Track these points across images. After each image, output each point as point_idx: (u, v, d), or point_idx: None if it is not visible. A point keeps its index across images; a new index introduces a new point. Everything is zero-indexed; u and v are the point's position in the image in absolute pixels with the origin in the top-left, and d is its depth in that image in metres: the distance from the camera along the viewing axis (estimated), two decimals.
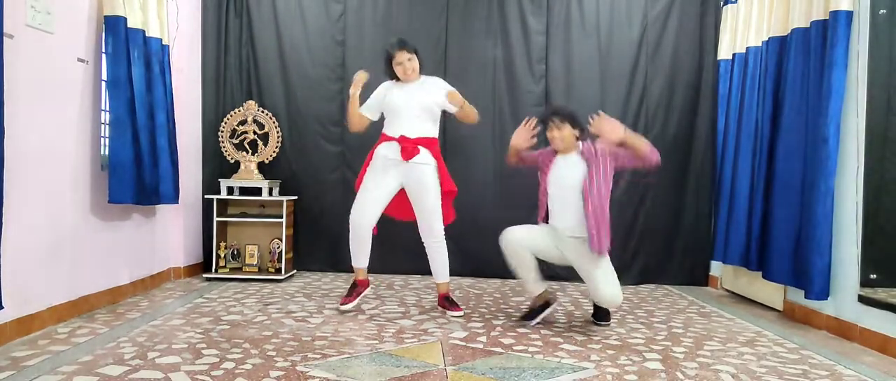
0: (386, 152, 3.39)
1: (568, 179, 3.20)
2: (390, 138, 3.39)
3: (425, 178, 3.38)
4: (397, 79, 3.46)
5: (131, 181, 3.46)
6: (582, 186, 3.14)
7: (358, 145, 4.68)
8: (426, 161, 3.39)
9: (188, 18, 4.40)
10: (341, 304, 3.43)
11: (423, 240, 3.49)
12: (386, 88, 3.50)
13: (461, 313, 3.43)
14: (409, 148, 3.34)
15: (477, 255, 4.50)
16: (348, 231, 3.39)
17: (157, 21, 3.74)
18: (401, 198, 3.48)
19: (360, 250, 3.45)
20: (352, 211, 3.42)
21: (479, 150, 4.60)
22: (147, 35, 3.62)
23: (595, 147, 3.20)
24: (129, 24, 3.44)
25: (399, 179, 3.42)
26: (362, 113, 3.50)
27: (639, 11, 4.61)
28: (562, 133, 3.23)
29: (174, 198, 3.93)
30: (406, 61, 3.37)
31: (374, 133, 3.52)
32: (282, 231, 4.38)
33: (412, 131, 3.37)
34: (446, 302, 3.50)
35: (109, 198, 3.39)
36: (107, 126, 3.52)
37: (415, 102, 3.39)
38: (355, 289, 3.48)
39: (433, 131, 3.46)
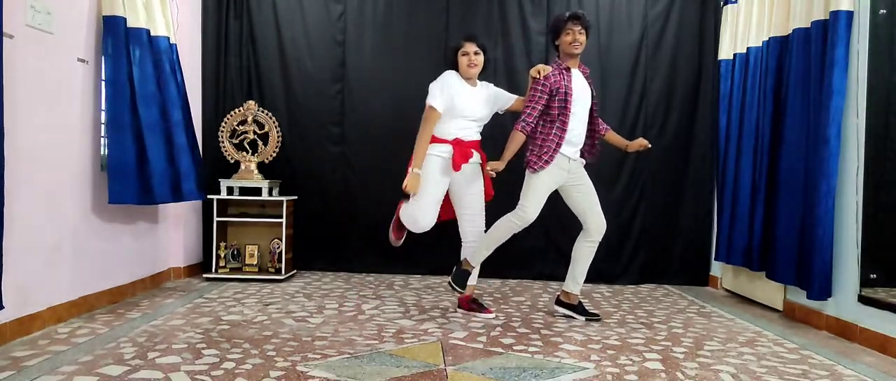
0: (444, 154, 3.28)
1: (585, 97, 3.26)
2: (443, 141, 3.29)
3: (475, 174, 3.37)
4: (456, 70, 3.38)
5: (133, 182, 3.47)
6: (591, 105, 3.30)
7: (358, 145, 4.70)
8: (476, 160, 3.39)
9: (188, 18, 4.40)
10: (395, 239, 3.49)
11: (463, 238, 3.44)
12: (453, 82, 3.32)
13: (492, 315, 3.42)
14: (464, 154, 3.28)
15: None
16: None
17: (162, 19, 3.73)
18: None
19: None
20: (417, 215, 3.28)
21: None
22: (152, 34, 3.63)
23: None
24: (130, 24, 3.44)
25: (449, 179, 3.36)
26: (433, 108, 3.24)
27: (639, 11, 4.62)
28: (583, 38, 3.22)
29: (198, 194, 3.95)
30: (472, 53, 3.30)
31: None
32: (282, 231, 4.38)
33: (468, 135, 3.34)
34: (474, 304, 3.48)
35: (109, 199, 3.40)
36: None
37: (480, 112, 3.35)
38: (404, 231, 3.49)
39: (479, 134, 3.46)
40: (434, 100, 3.24)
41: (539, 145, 3.20)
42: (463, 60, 3.32)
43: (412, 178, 3.20)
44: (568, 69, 3.23)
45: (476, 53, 3.32)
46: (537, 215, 3.22)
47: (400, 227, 3.48)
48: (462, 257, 3.41)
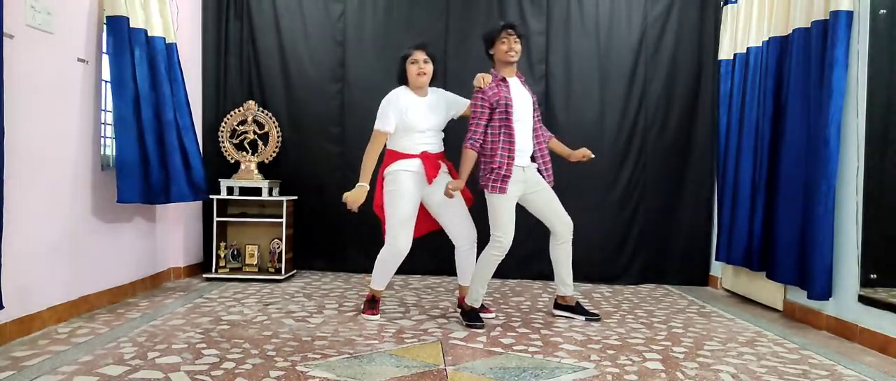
0: (414, 169, 3.24)
1: (525, 106, 3.22)
2: (411, 156, 3.25)
3: (446, 182, 3.24)
4: (406, 84, 3.32)
5: (138, 181, 3.47)
6: (533, 114, 3.25)
7: (358, 145, 4.67)
8: (445, 169, 3.36)
9: (188, 18, 4.40)
10: (368, 315, 3.34)
11: (456, 244, 3.40)
12: (400, 98, 3.27)
13: (492, 314, 3.41)
14: (435, 165, 3.26)
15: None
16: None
17: (159, 20, 3.73)
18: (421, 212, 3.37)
19: (392, 274, 3.38)
20: (397, 241, 3.20)
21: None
22: (149, 34, 3.62)
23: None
24: (131, 24, 3.44)
25: (422, 193, 3.31)
26: (381, 132, 3.26)
27: (639, 12, 4.61)
28: (519, 47, 3.19)
29: (192, 196, 3.91)
30: (422, 61, 3.26)
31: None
32: (282, 231, 4.38)
33: (433, 147, 3.30)
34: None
35: (118, 198, 3.40)
36: (107, 126, 3.52)
37: (433, 121, 3.29)
38: (377, 303, 3.42)
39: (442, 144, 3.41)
40: (380, 122, 3.25)
41: (490, 165, 3.13)
42: (412, 69, 3.27)
43: (357, 190, 3.19)
44: (505, 80, 3.20)
45: (425, 62, 3.27)
46: (512, 235, 3.15)
47: (371, 305, 3.40)
48: (461, 300, 3.40)
